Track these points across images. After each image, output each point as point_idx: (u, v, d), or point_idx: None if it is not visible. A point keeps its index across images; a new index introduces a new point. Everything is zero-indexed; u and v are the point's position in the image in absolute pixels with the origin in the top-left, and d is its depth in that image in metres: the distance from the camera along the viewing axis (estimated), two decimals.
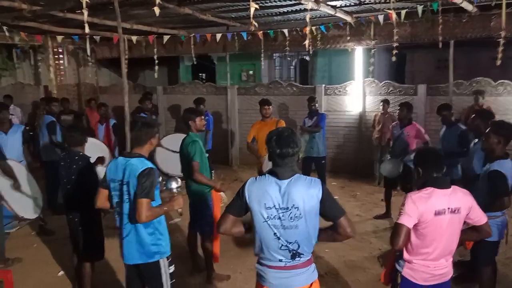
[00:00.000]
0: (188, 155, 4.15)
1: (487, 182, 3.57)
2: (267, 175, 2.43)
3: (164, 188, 3.45)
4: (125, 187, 2.98)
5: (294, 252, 2.38)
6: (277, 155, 2.36)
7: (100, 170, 4.53)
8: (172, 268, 3.18)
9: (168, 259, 3.15)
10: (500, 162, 3.54)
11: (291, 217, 2.33)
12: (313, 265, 2.50)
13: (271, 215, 2.35)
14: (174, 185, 3.46)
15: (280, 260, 2.40)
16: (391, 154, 6.24)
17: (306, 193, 2.33)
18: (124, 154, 3.14)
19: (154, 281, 3.11)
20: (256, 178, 2.46)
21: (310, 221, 2.35)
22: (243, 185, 2.46)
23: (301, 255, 2.40)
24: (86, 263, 3.97)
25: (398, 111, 6.31)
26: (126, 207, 3.02)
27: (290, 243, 2.36)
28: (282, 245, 2.37)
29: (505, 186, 3.48)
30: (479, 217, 2.73)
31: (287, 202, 2.32)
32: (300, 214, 2.32)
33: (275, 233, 2.36)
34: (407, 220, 2.61)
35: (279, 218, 2.34)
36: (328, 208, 2.38)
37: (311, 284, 2.46)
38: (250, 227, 2.50)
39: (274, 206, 2.34)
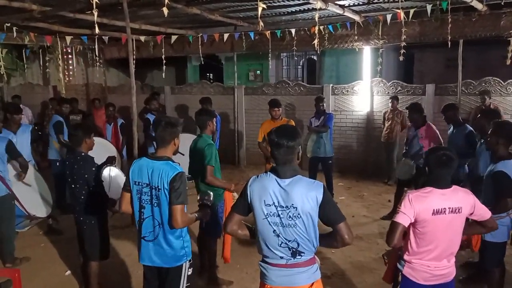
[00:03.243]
0: (203, 158, 4.15)
1: (491, 182, 3.54)
2: (268, 173, 2.45)
3: (200, 201, 3.34)
4: (154, 191, 2.93)
5: (294, 250, 2.38)
6: (273, 145, 2.37)
7: (110, 170, 4.56)
8: (190, 271, 3.16)
9: (190, 262, 3.13)
10: (505, 162, 3.50)
11: (290, 216, 2.33)
12: (316, 265, 2.49)
13: (271, 212, 2.36)
14: (206, 197, 3.38)
15: (282, 258, 2.40)
16: (405, 156, 6.15)
17: (305, 194, 2.32)
18: (149, 156, 3.07)
19: (172, 284, 3.08)
20: (257, 176, 2.48)
21: (308, 222, 2.34)
22: (246, 183, 2.49)
23: (302, 254, 2.40)
24: (92, 263, 3.98)
25: (408, 116, 6.18)
26: (156, 211, 2.97)
27: (289, 241, 2.37)
28: (281, 242, 2.38)
29: (509, 187, 3.45)
30: (483, 213, 2.74)
31: (286, 201, 2.33)
32: (298, 214, 2.32)
33: (274, 230, 2.38)
34: (403, 219, 2.62)
35: (278, 215, 2.35)
36: (328, 213, 2.36)
37: (312, 284, 2.44)
38: (255, 232, 2.51)
39: (274, 203, 2.36)
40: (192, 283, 3.18)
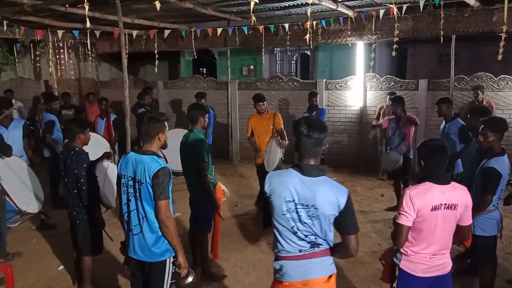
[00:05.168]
0: (196, 154, 4.14)
1: (480, 178, 3.59)
2: (290, 169, 2.39)
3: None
4: (137, 185, 2.94)
5: (313, 243, 2.36)
6: (303, 136, 2.31)
7: (105, 165, 4.55)
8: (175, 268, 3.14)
9: (174, 258, 3.10)
10: (499, 159, 3.55)
11: (309, 214, 2.30)
12: (332, 258, 2.45)
13: (290, 208, 2.33)
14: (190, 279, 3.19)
15: (300, 251, 2.38)
16: (390, 147, 6.26)
17: (330, 197, 2.28)
18: (136, 150, 3.07)
19: (156, 279, 3.07)
20: (275, 173, 2.47)
21: (326, 224, 2.32)
22: (265, 180, 2.46)
23: (320, 245, 2.38)
24: (85, 258, 3.98)
25: (392, 108, 6.35)
26: (139, 204, 2.97)
27: (306, 236, 2.35)
28: (299, 237, 2.36)
29: (495, 185, 3.51)
30: (467, 218, 2.75)
31: (308, 200, 2.29)
32: (317, 215, 2.29)
33: (292, 226, 2.35)
34: (406, 220, 2.65)
35: (297, 212, 2.32)
36: (344, 221, 2.32)
37: (330, 277, 2.41)
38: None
39: (294, 200, 2.32)
40: (179, 280, 3.14)
